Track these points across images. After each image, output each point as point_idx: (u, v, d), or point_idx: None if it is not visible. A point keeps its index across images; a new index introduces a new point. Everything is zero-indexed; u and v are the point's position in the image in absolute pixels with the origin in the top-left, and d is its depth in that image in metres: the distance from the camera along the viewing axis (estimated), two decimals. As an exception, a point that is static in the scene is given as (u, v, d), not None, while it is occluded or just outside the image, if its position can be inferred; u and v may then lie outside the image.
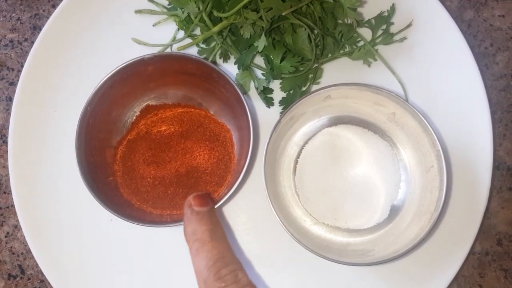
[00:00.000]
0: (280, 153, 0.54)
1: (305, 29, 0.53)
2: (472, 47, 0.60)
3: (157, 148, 0.53)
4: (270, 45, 0.52)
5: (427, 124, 0.49)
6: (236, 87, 0.50)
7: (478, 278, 0.56)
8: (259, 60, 0.57)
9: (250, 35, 0.53)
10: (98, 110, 0.51)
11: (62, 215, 0.55)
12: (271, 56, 0.53)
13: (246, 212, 0.55)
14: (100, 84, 0.50)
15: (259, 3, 0.51)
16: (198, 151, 0.52)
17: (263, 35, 0.52)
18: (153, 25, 0.59)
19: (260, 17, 0.51)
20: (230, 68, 0.57)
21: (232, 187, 0.49)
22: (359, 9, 0.57)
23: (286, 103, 0.56)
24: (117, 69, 0.51)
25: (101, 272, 0.54)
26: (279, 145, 0.53)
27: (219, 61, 0.58)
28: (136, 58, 0.51)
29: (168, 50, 0.58)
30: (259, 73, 0.57)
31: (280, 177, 0.54)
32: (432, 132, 0.48)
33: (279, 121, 0.50)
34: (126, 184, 0.52)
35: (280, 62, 0.53)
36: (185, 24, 0.56)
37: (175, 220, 0.49)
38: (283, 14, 0.51)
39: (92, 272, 0.54)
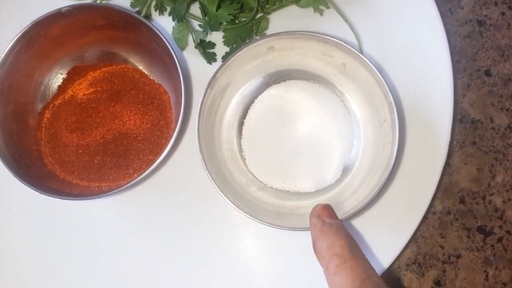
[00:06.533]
0: (221, 113, 0.49)
1: (245, -27, 0.48)
2: (435, -10, 0.55)
3: (83, 113, 0.48)
4: (203, -9, 0.47)
5: (378, 73, 0.44)
6: (165, 40, 0.45)
7: (439, 239, 0.52)
8: (197, 10, 0.51)
9: (183, -19, 0.48)
10: (15, 72, 0.46)
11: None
12: (206, 4, 0.47)
13: (184, 178, 0.50)
14: (12, 42, 0.45)
15: None
16: (128, 116, 0.48)
17: (194, -20, 0.46)
18: (80, -24, 0.53)
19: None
20: (168, 22, 0.52)
21: (163, 152, 0.44)
22: (305, -52, 0.51)
23: (230, 58, 0.50)
24: (31, 24, 0.45)
25: (33, 251, 0.50)
26: (219, 105, 0.48)
27: (155, 14, 0.52)
28: (52, 11, 0.45)
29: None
30: (197, 25, 0.51)
31: (221, 140, 0.49)
32: (383, 82, 0.44)
33: (213, 77, 0.45)
34: (50, 153, 0.47)
35: (216, 11, 0.47)
36: (112, -28, 0.50)
37: (103, 191, 0.44)
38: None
39: (23, 252, 0.50)
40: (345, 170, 0.48)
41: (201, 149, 0.44)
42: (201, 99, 0.44)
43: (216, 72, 0.45)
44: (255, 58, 0.47)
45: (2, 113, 0.45)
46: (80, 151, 0.47)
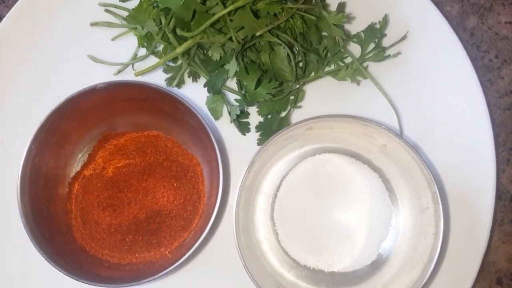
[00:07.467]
0: (255, 191, 0.48)
1: (284, 47, 0.46)
2: (474, 60, 0.53)
3: (115, 188, 0.47)
4: (243, 70, 0.45)
5: (423, 163, 0.42)
6: (201, 119, 0.43)
7: (474, 320, 0.51)
8: (233, 83, 0.50)
9: (220, 56, 0.46)
10: (46, 146, 0.45)
11: (8, 264, 0.49)
12: (244, 81, 0.46)
13: (219, 261, 0.48)
14: (45, 118, 0.44)
15: (227, 21, 0.43)
16: (161, 192, 0.46)
17: (233, 59, 0.44)
18: (111, 39, 0.52)
19: (230, 38, 0.44)
20: (201, 89, 0.50)
21: (202, 232, 0.43)
22: (346, 25, 0.50)
23: (264, 129, 0.49)
24: (64, 100, 0.44)
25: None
26: (255, 181, 0.47)
27: (188, 80, 0.51)
28: (87, 87, 0.44)
29: (130, 68, 0.51)
30: (233, 97, 0.50)
31: (256, 215, 0.47)
32: (429, 172, 0.42)
33: (252, 162, 0.43)
34: (80, 228, 0.46)
35: (255, 88, 0.46)
36: (146, 40, 0.49)
37: (136, 276, 0.43)
38: (258, 34, 0.43)
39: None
40: (382, 254, 0.47)
41: (236, 236, 0.43)
42: (240, 182, 0.43)
43: (254, 156, 0.43)
44: (293, 138, 0.46)
45: (34, 186, 0.44)
46: (112, 229, 0.46)
